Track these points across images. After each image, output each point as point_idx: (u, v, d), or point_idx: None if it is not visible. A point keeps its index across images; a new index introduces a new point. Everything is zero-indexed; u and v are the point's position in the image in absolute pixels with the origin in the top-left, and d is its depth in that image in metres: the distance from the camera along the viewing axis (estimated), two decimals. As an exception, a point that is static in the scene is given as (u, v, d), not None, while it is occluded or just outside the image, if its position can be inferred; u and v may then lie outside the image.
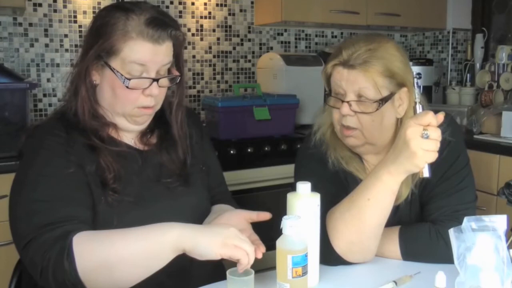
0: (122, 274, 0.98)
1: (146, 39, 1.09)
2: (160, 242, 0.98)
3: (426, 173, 1.05)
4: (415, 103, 1.08)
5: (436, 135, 1.02)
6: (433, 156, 1.03)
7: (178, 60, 1.19)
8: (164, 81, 1.16)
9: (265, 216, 1.12)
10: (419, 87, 1.11)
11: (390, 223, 1.21)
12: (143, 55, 1.10)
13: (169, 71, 1.18)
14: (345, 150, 1.30)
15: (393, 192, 1.12)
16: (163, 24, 1.11)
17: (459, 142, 1.28)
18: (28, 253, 1.00)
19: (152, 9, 1.14)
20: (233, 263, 0.99)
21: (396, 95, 1.22)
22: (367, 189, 1.12)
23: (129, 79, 1.10)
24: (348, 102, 1.21)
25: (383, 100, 1.20)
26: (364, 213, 1.12)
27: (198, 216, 1.22)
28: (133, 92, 1.11)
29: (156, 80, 1.12)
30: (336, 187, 1.24)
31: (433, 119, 1.03)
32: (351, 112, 1.21)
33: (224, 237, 0.97)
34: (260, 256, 1.00)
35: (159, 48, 1.11)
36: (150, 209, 1.14)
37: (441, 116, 1.04)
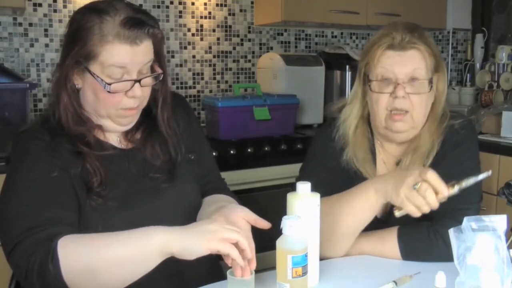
0: (107, 279, 0.97)
1: (123, 41, 1.06)
2: (145, 248, 0.96)
3: (398, 215, 1.10)
4: (462, 183, 1.06)
5: (426, 194, 1.04)
6: (410, 209, 1.06)
7: (159, 57, 1.16)
8: (147, 80, 1.13)
9: (263, 224, 1.05)
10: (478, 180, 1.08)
11: (389, 224, 1.22)
12: (121, 58, 1.07)
13: (152, 68, 1.15)
14: (362, 151, 1.32)
15: (373, 209, 1.16)
16: (139, 23, 1.08)
17: (472, 146, 1.30)
18: (14, 257, 1.00)
19: (128, 7, 1.10)
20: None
21: (434, 77, 1.28)
22: (353, 198, 1.17)
23: (110, 84, 1.08)
24: (402, 84, 1.24)
25: (431, 80, 1.26)
26: (342, 219, 1.16)
27: (186, 211, 1.20)
28: (115, 95, 1.09)
29: (138, 81, 1.10)
30: (336, 181, 1.27)
31: (441, 187, 1.04)
32: (405, 94, 1.24)
33: (210, 232, 0.95)
34: (248, 275, 0.96)
35: (137, 48, 1.08)
36: (136, 210, 1.13)
37: (451, 191, 1.05)
